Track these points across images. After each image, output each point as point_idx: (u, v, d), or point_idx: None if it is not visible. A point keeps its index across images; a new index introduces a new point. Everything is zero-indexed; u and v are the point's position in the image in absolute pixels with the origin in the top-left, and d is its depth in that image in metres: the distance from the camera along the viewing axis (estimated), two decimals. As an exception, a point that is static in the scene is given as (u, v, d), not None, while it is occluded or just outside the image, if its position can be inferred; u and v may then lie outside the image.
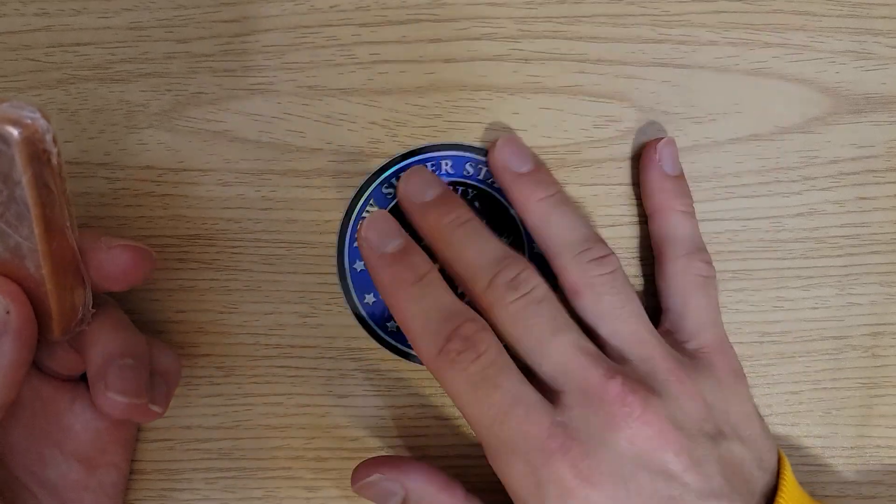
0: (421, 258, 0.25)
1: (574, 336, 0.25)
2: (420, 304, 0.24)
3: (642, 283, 0.30)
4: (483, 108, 0.29)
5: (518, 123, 0.29)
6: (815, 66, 0.29)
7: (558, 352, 0.24)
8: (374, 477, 0.26)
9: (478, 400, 0.23)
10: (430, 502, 0.26)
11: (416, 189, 0.27)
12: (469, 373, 0.23)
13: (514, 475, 0.23)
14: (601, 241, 0.27)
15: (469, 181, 0.29)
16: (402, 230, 0.26)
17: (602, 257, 0.26)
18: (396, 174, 0.29)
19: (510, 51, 0.29)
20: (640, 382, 0.24)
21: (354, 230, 0.29)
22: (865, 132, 0.30)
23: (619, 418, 0.23)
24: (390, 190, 0.29)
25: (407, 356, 0.29)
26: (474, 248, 0.25)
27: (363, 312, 0.29)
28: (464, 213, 0.26)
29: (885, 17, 0.29)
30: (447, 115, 0.29)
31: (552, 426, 0.23)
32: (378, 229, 0.26)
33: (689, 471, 0.23)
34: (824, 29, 0.29)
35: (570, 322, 0.25)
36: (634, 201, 0.30)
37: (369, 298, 0.29)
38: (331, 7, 0.29)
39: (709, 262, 0.28)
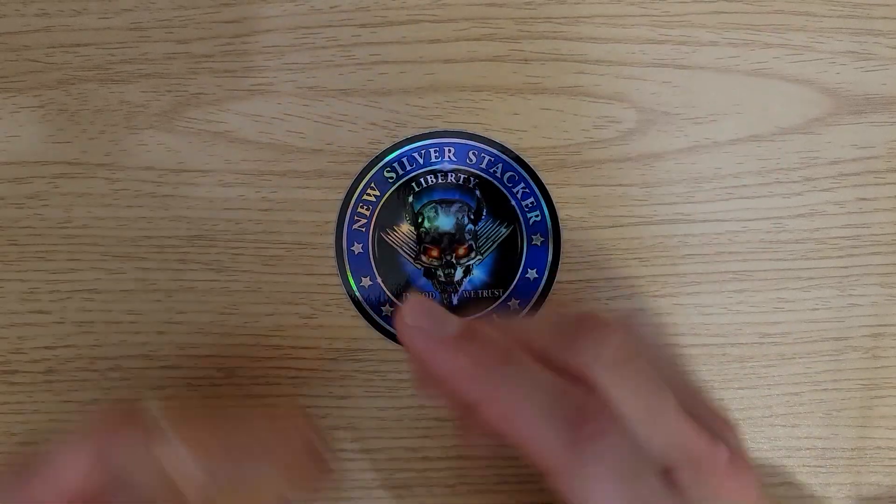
0: (493, 331, 0.21)
1: (672, 396, 0.22)
2: (524, 387, 0.20)
3: (642, 283, 0.30)
4: (483, 109, 0.29)
5: (518, 124, 0.29)
6: (816, 66, 0.29)
7: (666, 417, 0.22)
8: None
9: (618, 493, 0.20)
10: None
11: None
12: (609, 463, 0.20)
13: None
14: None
15: (471, 169, 0.29)
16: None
17: None
18: (398, 159, 0.29)
19: (510, 51, 0.29)
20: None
21: (353, 214, 0.29)
22: (866, 133, 0.30)
23: (725, 491, 0.22)
24: (392, 174, 0.29)
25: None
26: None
27: (359, 296, 0.29)
28: (501, 341, 0.22)
29: (885, 18, 0.29)
30: (447, 115, 0.29)
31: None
32: (426, 313, 0.22)
33: None
34: (825, 30, 0.29)
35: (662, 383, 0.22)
36: (635, 202, 0.30)
37: (366, 281, 0.29)
38: (331, 8, 0.29)
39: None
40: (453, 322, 0.21)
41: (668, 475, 0.21)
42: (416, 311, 0.22)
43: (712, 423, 0.23)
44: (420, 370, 0.23)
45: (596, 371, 0.21)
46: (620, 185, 0.30)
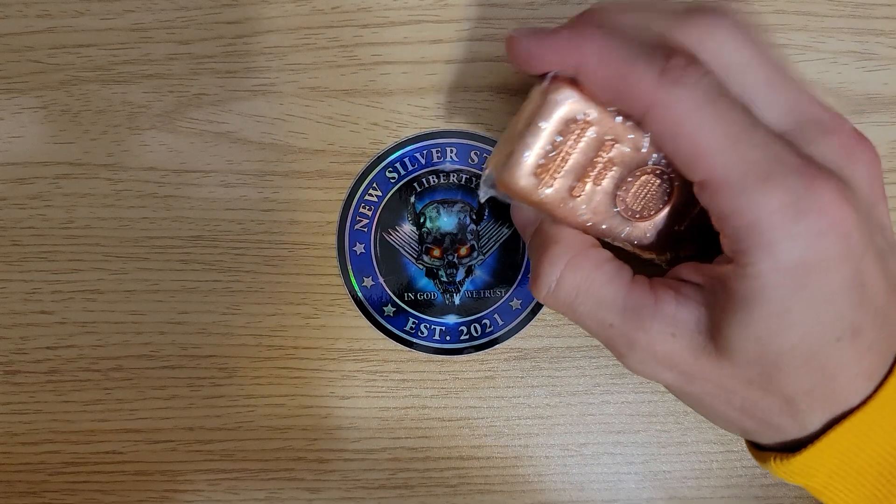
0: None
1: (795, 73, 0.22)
2: (621, 34, 0.20)
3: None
4: (485, 110, 0.29)
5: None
6: (817, 66, 0.29)
7: (793, 85, 0.21)
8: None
9: (718, 115, 0.19)
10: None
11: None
12: (703, 86, 0.19)
13: (767, 206, 0.19)
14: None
15: (474, 169, 0.29)
16: None
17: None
18: (400, 159, 0.29)
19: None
20: None
21: (355, 214, 0.29)
22: (868, 133, 0.29)
23: (859, 158, 0.21)
24: (394, 174, 0.29)
25: (403, 342, 0.29)
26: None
27: (361, 296, 0.29)
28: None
29: (887, 18, 0.29)
30: (449, 116, 0.29)
31: (804, 155, 0.20)
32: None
33: (888, 228, 0.22)
34: (826, 29, 0.29)
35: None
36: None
37: (368, 281, 0.29)
38: (333, 8, 0.29)
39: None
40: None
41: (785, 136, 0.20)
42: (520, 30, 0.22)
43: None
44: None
45: (714, 40, 0.20)
46: (622, 185, 0.29)
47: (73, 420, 0.30)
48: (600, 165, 0.22)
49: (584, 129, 0.21)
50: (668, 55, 0.19)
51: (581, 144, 0.21)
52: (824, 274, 0.19)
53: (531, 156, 0.21)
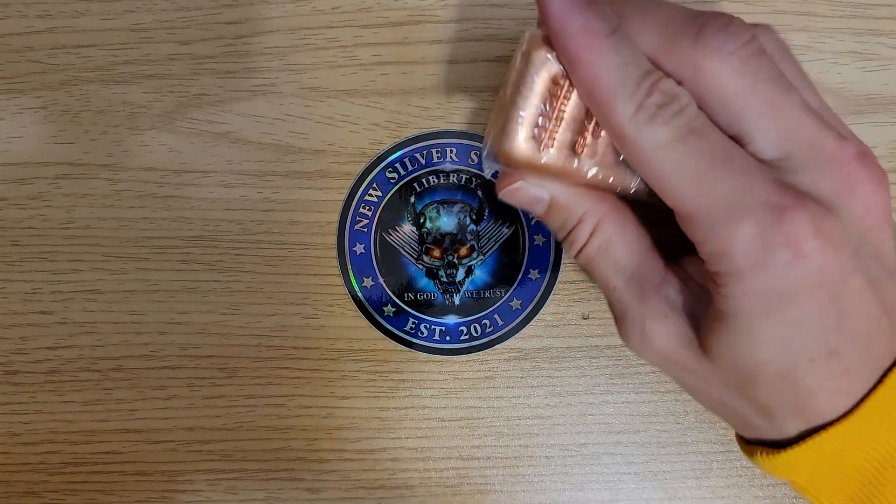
0: (611, 10, 0.21)
1: (800, 95, 0.21)
2: (615, 58, 0.20)
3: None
4: (486, 110, 0.29)
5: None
6: (818, 66, 0.29)
7: (791, 114, 0.21)
8: (519, 184, 0.23)
9: (686, 154, 0.20)
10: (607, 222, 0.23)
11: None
12: (673, 126, 0.20)
13: (734, 238, 0.20)
14: None
15: (473, 169, 0.29)
16: None
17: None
18: (400, 159, 0.29)
19: (512, 52, 0.29)
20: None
21: (355, 214, 0.29)
22: (868, 133, 0.30)
23: (859, 184, 0.21)
24: (394, 174, 0.29)
25: (403, 342, 0.29)
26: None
27: (361, 296, 0.29)
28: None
29: (887, 18, 0.29)
30: (449, 116, 0.29)
31: (779, 183, 0.20)
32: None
33: (893, 252, 0.21)
34: (826, 30, 0.29)
35: (790, 82, 0.21)
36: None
37: (367, 282, 0.29)
38: (333, 9, 0.29)
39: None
40: None
41: (776, 165, 0.20)
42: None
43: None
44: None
45: (716, 61, 0.20)
46: (622, 185, 0.29)
47: (73, 420, 0.30)
48: (595, 118, 0.22)
49: (571, 85, 0.21)
50: (649, 91, 0.20)
51: (571, 100, 0.21)
52: (795, 302, 0.20)
53: (525, 120, 0.21)
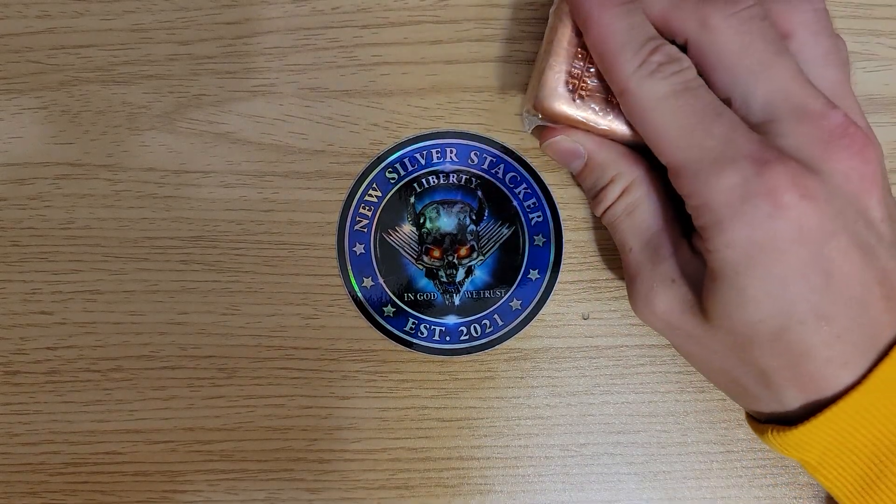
0: None
1: (795, 61, 0.22)
2: (625, 21, 0.22)
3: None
4: (485, 110, 0.29)
5: (520, 125, 0.29)
6: (818, 67, 0.29)
7: (781, 75, 0.22)
8: (559, 137, 0.25)
9: (680, 108, 0.21)
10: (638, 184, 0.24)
11: None
12: (671, 82, 0.22)
13: (717, 188, 0.21)
14: None
15: (473, 170, 0.29)
16: None
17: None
18: (400, 159, 0.29)
19: (513, 52, 0.29)
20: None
21: (355, 215, 0.29)
22: (868, 133, 0.30)
23: (840, 149, 0.21)
24: (393, 175, 0.29)
25: (403, 342, 0.29)
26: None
27: (361, 296, 0.29)
28: None
29: (887, 18, 0.29)
30: (449, 116, 0.29)
31: (765, 143, 0.21)
32: None
33: (885, 222, 0.22)
34: (826, 30, 0.29)
35: (787, 48, 0.23)
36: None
37: (367, 282, 0.29)
38: (333, 9, 0.29)
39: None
40: None
41: (765, 128, 0.22)
42: None
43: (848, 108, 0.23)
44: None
45: (719, 18, 0.22)
46: (622, 185, 0.29)
47: (73, 421, 0.30)
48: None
49: None
50: (653, 50, 0.22)
51: None
52: (776, 255, 0.20)
53: (560, 73, 0.23)
